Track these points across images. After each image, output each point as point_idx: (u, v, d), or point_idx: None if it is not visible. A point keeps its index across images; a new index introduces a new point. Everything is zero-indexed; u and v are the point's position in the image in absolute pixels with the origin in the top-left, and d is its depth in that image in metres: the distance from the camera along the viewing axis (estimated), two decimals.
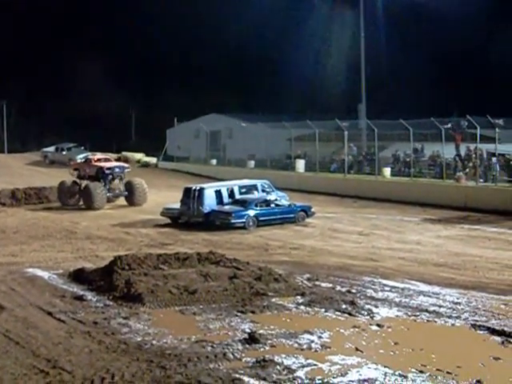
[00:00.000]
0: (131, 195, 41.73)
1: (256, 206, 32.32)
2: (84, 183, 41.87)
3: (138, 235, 30.65)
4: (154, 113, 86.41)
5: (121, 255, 20.57)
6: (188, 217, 33.41)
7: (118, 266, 19.46)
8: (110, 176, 42.15)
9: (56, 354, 13.46)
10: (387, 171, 45.97)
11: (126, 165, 45.30)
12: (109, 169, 42.34)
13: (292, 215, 33.11)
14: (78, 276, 20.57)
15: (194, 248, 25.27)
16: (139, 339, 14.49)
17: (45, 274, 21.56)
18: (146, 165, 71.77)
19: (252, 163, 58.09)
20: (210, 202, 32.84)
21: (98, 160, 44.56)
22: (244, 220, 31.63)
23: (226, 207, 32.62)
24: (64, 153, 70.54)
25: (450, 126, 43.49)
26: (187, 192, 33.50)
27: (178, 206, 34.08)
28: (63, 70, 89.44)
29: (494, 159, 39.67)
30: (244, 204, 32.32)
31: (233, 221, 31.53)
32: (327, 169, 51.87)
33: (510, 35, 58.25)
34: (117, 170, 42.72)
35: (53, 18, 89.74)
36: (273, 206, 32.98)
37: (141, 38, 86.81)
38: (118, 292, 18.06)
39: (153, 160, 73.22)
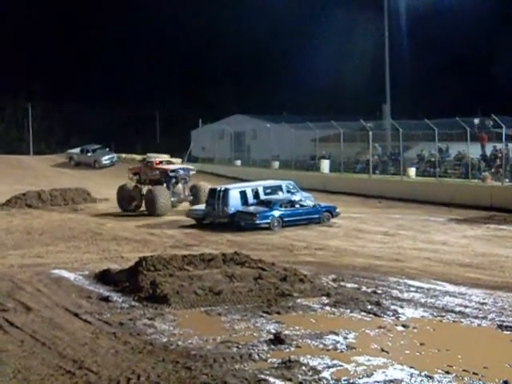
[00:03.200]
0: (197, 200, 38.35)
1: (281, 206, 32.26)
2: (145, 188, 39.71)
3: (163, 236, 30.73)
4: (178, 114, 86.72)
5: (146, 256, 20.60)
6: (213, 218, 33.44)
7: (143, 267, 19.51)
8: (174, 179, 39.60)
9: (82, 355, 13.53)
10: (412, 171, 45.79)
11: (191, 167, 42.66)
12: (173, 171, 39.74)
13: (317, 216, 33.02)
14: (104, 277, 20.67)
15: (219, 249, 25.26)
16: (165, 340, 14.53)
17: (71, 275, 21.69)
18: None
19: (276, 164, 58.09)
20: (234, 202, 32.81)
21: (160, 163, 41.90)
22: (269, 221, 31.60)
23: (251, 208, 32.59)
24: (89, 154, 70.91)
25: (478, 122, 43.22)
26: (212, 193, 33.55)
27: (203, 207, 34.16)
28: (87, 72, 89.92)
29: None
30: (269, 205, 32.27)
31: (257, 221, 31.50)
32: (352, 169, 51.76)
33: None
34: (181, 172, 40.08)
35: (74, 18, 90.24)
36: (297, 206, 32.92)
37: (164, 41, 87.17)
38: (143, 293, 18.13)
39: (178, 161, 73.23)
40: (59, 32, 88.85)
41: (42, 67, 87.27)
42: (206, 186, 39.29)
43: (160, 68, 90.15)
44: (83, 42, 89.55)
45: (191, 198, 39.53)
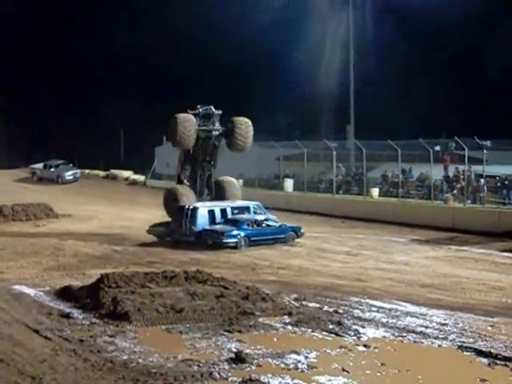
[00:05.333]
0: None
1: (248, 225, 32.32)
2: None
3: (126, 253, 30.54)
4: (142, 130, 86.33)
5: (108, 273, 20.47)
6: (179, 236, 33.16)
7: (104, 283, 19.39)
8: None
9: (41, 372, 13.35)
10: (375, 192, 46.06)
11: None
12: None
13: (283, 235, 33.10)
14: (65, 293, 20.49)
15: (181, 266, 25.13)
16: (125, 357, 14.41)
17: (31, 291, 21.46)
18: (134, 183, 71.70)
19: (240, 182, 58.06)
20: (202, 221, 32.68)
21: None
22: (236, 240, 31.59)
23: (218, 226, 32.49)
24: (52, 170, 70.41)
25: (438, 149, 43.72)
26: (180, 211, 33.32)
27: (164, 223, 34.06)
28: (50, 85, 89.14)
29: (481, 180, 39.80)
30: (236, 224, 32.28)
31: (225, 240, 31.45)
32: (315, 189, 51.88)
33: (495, 57, 58.72)
34: None
35: (32, 29, 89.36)
36: (264, 225, 32.99)
37: (129, 55, 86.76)
38: (104, 310, 17.98)
39: (141, 178, 73.08)
40: (21, 42, 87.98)
41: (3, 80, 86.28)
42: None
43: (126, 83, 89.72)
44: (44, 53, 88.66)
45: None
